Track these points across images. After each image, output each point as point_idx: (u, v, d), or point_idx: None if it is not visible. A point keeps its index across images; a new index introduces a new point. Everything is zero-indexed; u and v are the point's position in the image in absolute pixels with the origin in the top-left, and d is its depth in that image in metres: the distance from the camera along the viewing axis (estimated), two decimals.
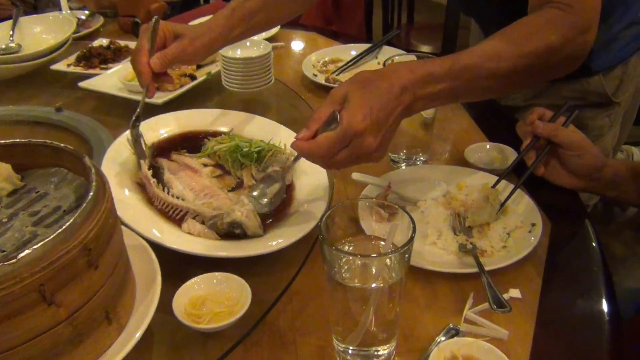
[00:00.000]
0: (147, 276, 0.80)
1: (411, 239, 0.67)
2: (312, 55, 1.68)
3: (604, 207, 2.31)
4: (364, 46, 1.69)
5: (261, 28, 1.31)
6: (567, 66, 1.00)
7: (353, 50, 1.69)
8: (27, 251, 0.58)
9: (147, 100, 1.36)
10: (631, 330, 1.07)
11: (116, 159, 1.09)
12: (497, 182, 1.03)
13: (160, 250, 0.85)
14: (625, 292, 1.21)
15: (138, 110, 1.11)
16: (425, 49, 3.08)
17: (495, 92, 1.03)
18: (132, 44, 1.76)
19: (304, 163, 1.11)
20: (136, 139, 1.10)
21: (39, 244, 0.59)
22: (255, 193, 0.98)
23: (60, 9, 2.04)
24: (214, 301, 0.82)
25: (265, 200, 0.97)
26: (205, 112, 1.28)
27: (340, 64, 1.64)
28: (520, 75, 0.94)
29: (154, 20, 1.11)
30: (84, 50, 1.67)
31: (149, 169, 1.04)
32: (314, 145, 0.81)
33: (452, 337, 0.79)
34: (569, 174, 1.04)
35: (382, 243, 0.73)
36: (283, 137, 1.14)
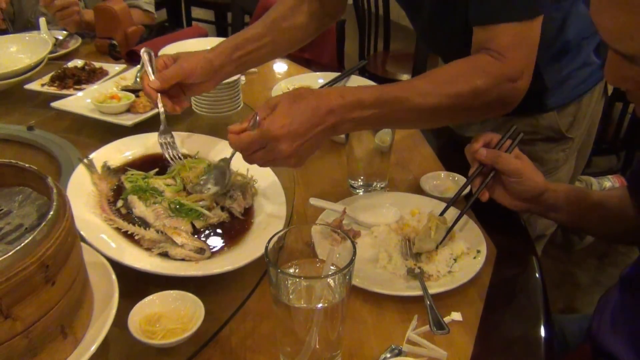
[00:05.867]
0: (106, 292, 0.84)
1: (351, 262, 0.72)
2: (282, 82, 1.73)
3: (562, 234, 2.39)
4: (333, 75, 1.75)
5: (268, 53, 1.37)
6: (496, 109, 1.07)
7: (320, 78, 1.75)
8: None
9: (117, 122, 1.42)
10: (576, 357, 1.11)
11: (83, 178, 1.13)
12: (444, 210, 1.08)
13: (121, 268, 0.89)
14: (578, 319, 1.26)
15: (161, 125, 1.25)
16: (399, 75, 3.21)
17: (424, 123, 1.12)
18: (106, 66, 1.80)
19: (264, 188, 1.16)
20: (166, 147, 1.24)
21: None
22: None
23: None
24: (169, 318, 0.85)
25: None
26: (173, 134, 1.32)
27: None
28: (446, 112, 1.03)
29: (146, 52, 1.25)
30: (59, 71, 1.70)
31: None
32: (237, 140, 0.96)
33: (395, 356, 0.83)
34: (511, 197, 1.09)
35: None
36: None
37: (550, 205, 1.09)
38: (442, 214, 1.07)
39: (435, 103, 1.00)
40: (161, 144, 1.24)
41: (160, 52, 1.84)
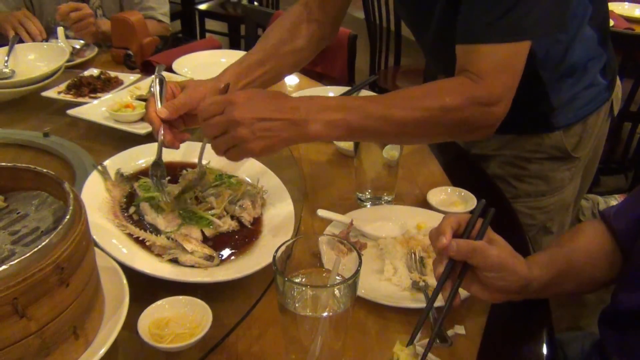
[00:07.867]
0: (117, 296, 0.86)
1: (357, 272, 0.74)
2: (292, 95, 1.76)
3: None
4: (343, 89, 1.78)
5: (271, 78, 1.37)
6: (467, 131, 1.08)
7: (331, 92, 1.77)
8: (3, 267, 0.64)
9: (131, 130, 1.45)
10: None
11: (97, 185, 1.15)
12: (412, 338, 0.82)
13: (132, 273, 0.91)
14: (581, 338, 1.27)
15: (156, 157, 1.14)
16: None
17: (395, 137, 1.10)
18: (122, 75, 1.83)
19: (273, 198, 1.18)
20: (158, 181, 1.12)
21: (15, 261, 0.65)
22: None
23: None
24: (177, 323, 0.87)
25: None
26: (185, 144, 1.34)
27: None
28: (414, 126, 1.04)
29: (156, 72, 1.20)
30: (75, 79, 1.74)
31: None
32: (202, 103, 1.02)
33: None
34: (490, 291, 0.88)
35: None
36: (256, 171, 1.22)
37: (539, 290, 0.93)
38: (410, 342, 0.82)
39: (402, 115, 1.02)
40: (154, 181, 1.12)
41: (175, 63, 1.88)
